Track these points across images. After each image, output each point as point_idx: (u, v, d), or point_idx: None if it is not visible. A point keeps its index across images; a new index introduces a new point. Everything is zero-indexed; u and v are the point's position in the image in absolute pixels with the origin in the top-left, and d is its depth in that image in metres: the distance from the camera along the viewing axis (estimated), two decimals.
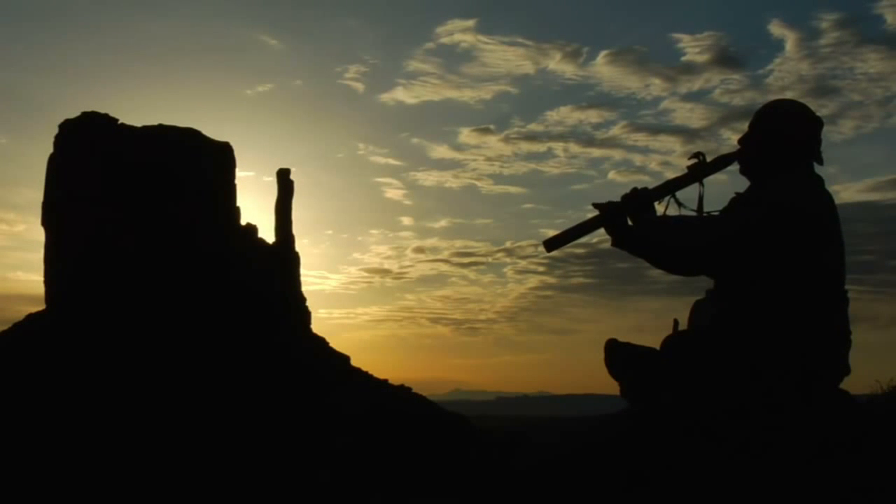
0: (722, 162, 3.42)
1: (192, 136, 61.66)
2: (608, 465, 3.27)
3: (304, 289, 66.14)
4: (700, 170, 3.42)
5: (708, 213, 3.39)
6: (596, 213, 3.41)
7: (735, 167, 3.42)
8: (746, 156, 3.38)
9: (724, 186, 3.60)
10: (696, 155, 3.44)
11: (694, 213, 3.40)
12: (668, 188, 3.42)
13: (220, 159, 62.14)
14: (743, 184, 3.42)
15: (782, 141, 3.30)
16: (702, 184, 3.41)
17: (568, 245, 3.48)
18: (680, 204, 3.41)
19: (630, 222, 3.37)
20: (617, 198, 3.38)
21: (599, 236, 3.45)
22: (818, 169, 3.34)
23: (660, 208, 3.40)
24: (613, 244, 3.36)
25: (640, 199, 3.37)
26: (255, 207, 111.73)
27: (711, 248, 3.19)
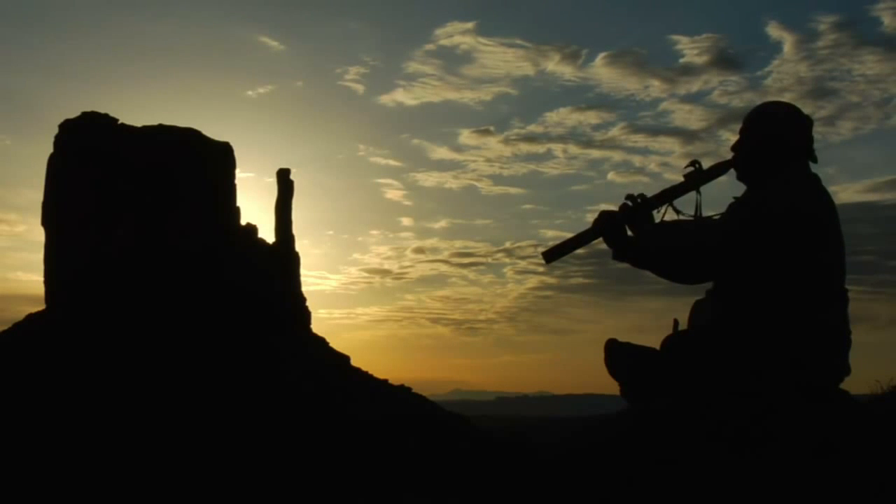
0: (718, 169, 3.43)
1: (192, 136, 61.65)
2: (608, 465, 3.27)
3: (304, 289, 66.20)
4: (696, 178, 3.43)
5: (706, 218, 3.40)
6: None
7: (732, 173, 3.43)
8: (742, 162, 3.39)
9: (724, 191, 3.61)
10: (693, 163, 3.46)
11: (692, 221, 3.41)
12: (666, 197, 3.43)
13: (220, 159, 62.14)
14: (741, 189, 3.43)
15: (775, 143, 3.30)
16: (699, 192, 3.42)
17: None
18: (678, 212, 3.42)
19: (629, 232, 3.38)
20: (616, 199, 3.40)
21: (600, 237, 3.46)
22: (814, 167, 3.35)
23: (657, 217, 3.41)
24: (614, 257, 3.36)
25: (637, 209, 3.38)
26: (255, 207, 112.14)
27: (714, 251, 3.19)
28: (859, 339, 3.27)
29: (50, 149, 60.56)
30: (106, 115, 60.89)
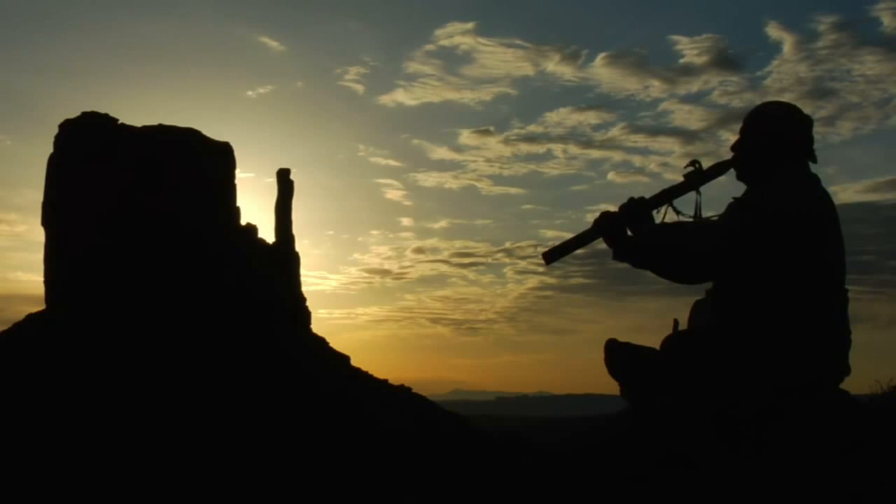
0: (718, 169, 3.42)
1: (192, 136, 61.62)
2: (608, 465, 3.27)
3: (305, 289, 66.12)
4: (696, 178, 3.42)
5: (706, 219, 3.40)
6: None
7: (732, 173, 3.43)
8: (742, 162, 3.38)
9: (724, 191, 3.61)
10: (692, 163, 3.44)
11: (692, 221, 3.40)
12: (665, 197, 3.42)
13: (220, 159, 62.08)
14: (741, 189, 3.43)
15: (775, 143, 3.30)
16: (698, 192, 3.41)
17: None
18: (678, 212, 3.41)
19: (629, 233, 3.37)
20: (616, 199, 3.40)
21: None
22: (814, 167, 3.35)
23: (657, 217, 3.40)
24: (615, 257, 3.36)
25: (637, 209, 3.37)
26: (255, 207, 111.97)
27: (714, 251, 3.19)
28: (859, 339, 3.26)
29: (50, 149, 60.51)
30: (106, 115, 60.84)
